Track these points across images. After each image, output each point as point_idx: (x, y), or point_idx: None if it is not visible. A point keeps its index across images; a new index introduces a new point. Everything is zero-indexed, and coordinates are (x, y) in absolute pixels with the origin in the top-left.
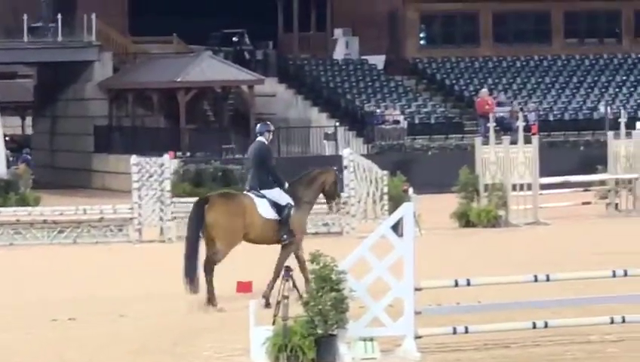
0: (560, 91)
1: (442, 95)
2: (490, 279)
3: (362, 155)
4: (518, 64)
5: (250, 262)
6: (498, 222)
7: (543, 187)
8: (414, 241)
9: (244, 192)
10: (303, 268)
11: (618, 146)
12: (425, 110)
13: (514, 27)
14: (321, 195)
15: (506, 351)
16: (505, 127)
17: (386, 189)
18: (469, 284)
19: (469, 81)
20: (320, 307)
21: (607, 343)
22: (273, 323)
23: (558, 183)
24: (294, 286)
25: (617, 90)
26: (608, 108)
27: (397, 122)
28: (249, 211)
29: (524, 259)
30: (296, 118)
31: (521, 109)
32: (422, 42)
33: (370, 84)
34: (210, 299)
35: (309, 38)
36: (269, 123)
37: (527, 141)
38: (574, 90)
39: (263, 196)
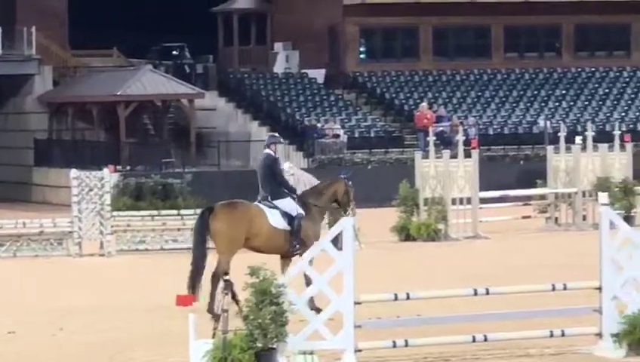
0: (500, 105)
1: (382, 109)
2: (429, 293)
3: (302, 169)
4: (458, 78)
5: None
6: (438, 236)
7: (483, 201)
8: (354, 255)
9: (255, 203)
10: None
11: (558, 160)
12: (365, 124)
13: (454, 41)
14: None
15: None
16: (445, 141)
17: None
18: (408, 298)
19: (409, 94)
20: (260, 320)
21: (546, 357)
22: (213, 336)
23: (497, 197)
24: (234, 299)
25: (557, 104)
26: (548, 122)
27: (337, 136)
28: (256, 220)
29: (463, 273)
30: (236, 131)
31: (461, 123)
32: (362, 56)
33: (310, 97)
34: (210, 310)
35: (249, 52)
36: (277, 135)
37: (467, 155)
38: (514, 105)
39: (275, 206)
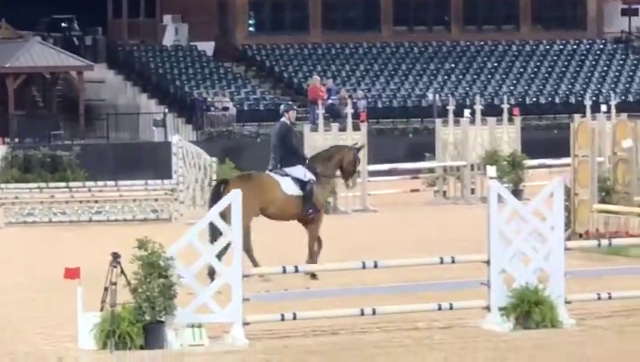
0: (389, 78)
1: (271, 82)
2: (319, 266)
3: (191, 142)
4: (347, 51)
5: None
6: (327, 209)
7: (372, 174)
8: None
9: (266, 172)
10: (318, 246)
11: (446, 134)
12: (254, 97)
13: (343, 14)
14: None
15: (334, 337)
16: (333, 114)
17: (214, 176)
18: (297, 271)
19: (298, 67)
20: (148, 293)
21: (434, 330)
22: (101, 309)
23: (386, 170)
24: (122, 272)
25: (446, 77)
26: (437, 95)
27: (226, 109)
28: (269, 189)
29: (352, 246)
30: (125, 104)
31: (350, 96)
32: (251, 29)
33: (199, 70)
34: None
35: (138, 25)
36: (291, 103)
37: (356, 128)
38: (403, 78)
39: (286, 174)
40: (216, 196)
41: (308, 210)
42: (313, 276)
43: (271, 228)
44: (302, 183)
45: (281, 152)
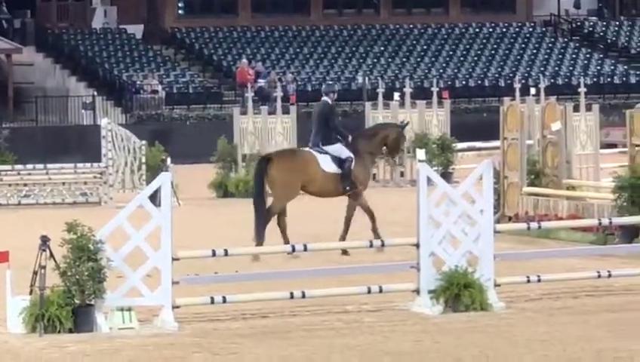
0: (318, 62)
1: (200, 65)
2: (247, 249)
3: (120, 125)
4: (277, 34)
5: None
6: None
7: None
8: (172, 211)
9: (307, 149)
10: (370, 217)
11: (376, 117)
12: (183, 80)
13: None
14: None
15: (263, 320)
16: (263, 97)
17: (144, 159)
18: (226, 254)
19: (227, 50)
20: (77, 277)
21: (364, 313)
22: (30, 293)
23: None
24: (52, 256)
25: (375, 60)
26: (366, 78)
27: (155, 92)
28: (310, 166)
29: None
30: (54, 87)
31: (280, 79)
32: (180, 12)
33: (128, 53)
34: (257, 236)
35: (67, 7)
36: (331, 83)
37: (286, 111)
38: (332, 61)
39: (326, 152)
40: (260, 172)
41: (346, 188)
42: (344, 252)
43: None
44: (340, 161)
45: (322, 131)
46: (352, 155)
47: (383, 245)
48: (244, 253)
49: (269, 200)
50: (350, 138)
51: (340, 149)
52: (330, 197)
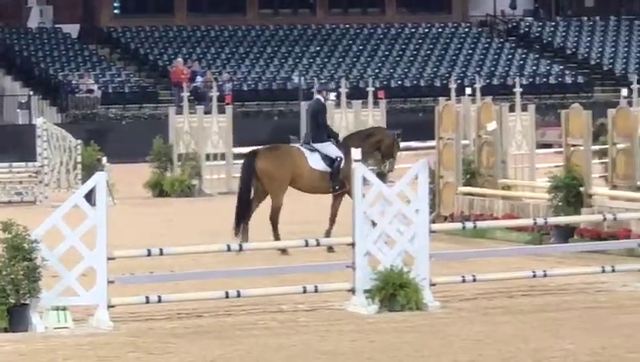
0: (254, 61)
1: (136, 64)
2: (183, 248)
3: (56, 124)
4: (213, 34)
5: None
6: (192, 192)
7: (237, 157)
8: (107, 210)
9: (297, 145)
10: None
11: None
12: (119, 79)
13: None
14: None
15: (198, 320)
16: (199, 97)
17: (79, 158)
18: (162, 254)
19: (163, 50)
20: (12, 276)
21: (299, 312)
22: None
23: None
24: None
25: (311, 60)
26: (302, 78)
27: (91, 91)
28: (297, 162)
29: (217, 229)
30: None
31: (215, 79)
32: (116, 11)
33: (64, 52)
34: (239, 232)
35: (2, 6)
36: (325, 81)
37: (221, 111)
38: (268, 61)
39: (315, 149)
40: (247, 168)
41: (334, 187)
42: (284, 251)
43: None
44: (330, 160)
45: (313, 129)
46: (341, 155)
47: (318, 244)
48: (179, 253)
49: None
50: (343, 137)
51: (330, 148)
52: (318, 194)
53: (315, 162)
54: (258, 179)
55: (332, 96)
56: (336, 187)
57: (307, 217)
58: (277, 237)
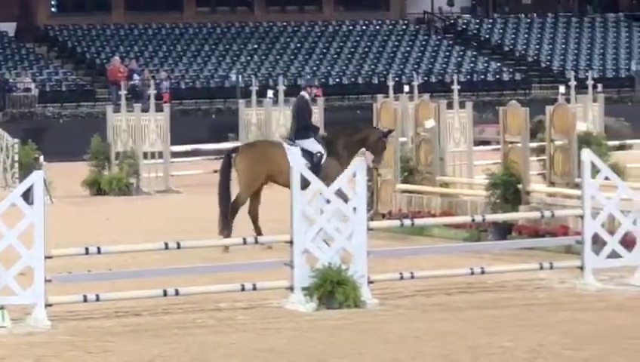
0: (192, 59)
1: (74, 62)
2: (121, 247)
3: None
4: (150, 32)
5: None
6: (129, 190)
7: (175, 155)
8: (45, 209)
9: (280, 141)
10: None
11: (249, 114)
12: (56, 78)
13: None
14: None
15: (136, 318)
16: (137, 95)
17: (16, 157)
18: (99, 252)
19: (100, 48)
20: None
21: (237, 310)
22: None
23: (189, 151)
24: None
25: (249, 58)
26: (240, 76)
27: (28, 90)
28: (276, 157)
29: (155, 227)
30: None
31: (153, 77)
32: (53, 9)
33: (0, 51)
34: (223, 231)
35: None
36: (310, 78)
37: (159, 109)
38: (206, 59)
39: (297, 145)
40: (225, 164)
41: None
42: (226, 249)
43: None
44: (311, 156)
45: (296, 125)
46: (322, 151)
47: (256, 242)
48: (117, 251)
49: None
50: (328, 132)
51: (312, 144)
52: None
53: (294, 158)
54: (239, 175)
55: (315, 91)
56: None
57: (268, 215)
58: (258, 233)
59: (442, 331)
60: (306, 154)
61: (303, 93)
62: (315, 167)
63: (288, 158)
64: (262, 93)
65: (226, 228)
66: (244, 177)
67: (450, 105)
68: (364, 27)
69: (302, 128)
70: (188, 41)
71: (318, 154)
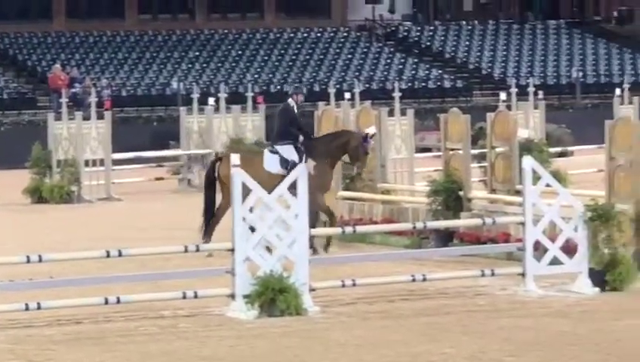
0: (133, 67)
1: (15, 70)
2: (62, 255)
3: None
4: (92, 40)
5: None
6: (71, 198)
7: (116, 163)
8: None
9: (266, 149)
10: (331, 221)
11: (190, 122)
12: None
13: (87, 2)
14: None
15: (78, 326)
16: (78, 103)
17: None
18: (41, 260)
19: (42, 56)
20: None
21: (179, 318)
22: None
23: (131, 159)
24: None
25: (190, 66)
26: (181, 84)
27: None
28: (254, 166)
29: (96, 235)
30: None
31: (94, 85)
32: None
33: None
34: (204, 237)
35: None
36: (298, 85)
37: (100, 117)
38: (147, 66)
39: (276, 152)
40: (209, 171)
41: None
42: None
43: None
44: (287, 163)
45: (277, 131)
46: (296, 159)
47: (197, 250)
48: (58, 259)
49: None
50: (310, 140)
51: (288, 151)
52: None
53: (271, 165)
54: (223, 184)
55: (302, 98)
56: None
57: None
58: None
59: (384, 338)
60: (283, 161)
61: (289, 100)
62: (289, 173)
63: (264, 166)
64: (203, 101)
65: (207, 235)
66: (226, 184)
67: (391, 113)
68: (305, 34)
69: (282, 134)
70: (129, 49)
71: (293, 163)
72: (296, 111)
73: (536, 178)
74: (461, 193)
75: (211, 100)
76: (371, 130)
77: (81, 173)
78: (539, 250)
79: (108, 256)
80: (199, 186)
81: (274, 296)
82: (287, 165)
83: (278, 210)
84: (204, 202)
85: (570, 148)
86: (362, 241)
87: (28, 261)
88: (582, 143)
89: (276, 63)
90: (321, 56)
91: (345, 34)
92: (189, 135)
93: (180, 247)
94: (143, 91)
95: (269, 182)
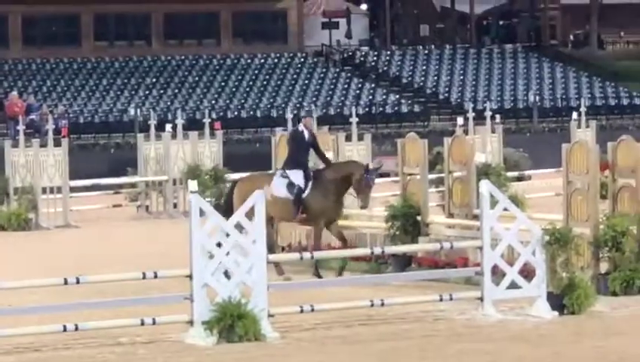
0: (90, 94)
1: None
2: (20, 283)
3: None
4: (48, 66)
5: None
6: (28, 226)
7: (74, 190)
8: None
9: (275, 173)
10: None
11: (148, 148)
12: None
13: (43, 29)
14: None
15: (37, 354)
16: (35, 130)
17: None
18: None
19: None
20: None
21: (137, 344)
22: None
23: (88, 186)
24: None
25: (147, 92)
26: (138, 110)
27: None
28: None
29: (54, 263)
30: None
31: (51, 112)
32: None
33: None
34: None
35: None
36: (309, 110)
37: (58, 144)
38: (104, 93)
39: (287, 176)
40: (228, 196)
41: (295, 215)
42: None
43: None
44: (294, 187)
45: (288, 157)
46: (302, 184)
47: (155, 276)
48: (16, 287)
49: None
50: (322, 168)
51: (297, 176)
52: (285, 221)
53: (279, 189)
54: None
55: (311, 121)
56: (297, 214)
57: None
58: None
59: None
60: (291, 186)
61: (299, 125)
62: (295, 199)
63: (272, 190)
64: (160, 127)
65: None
66: (237, 207)
67: (348, 138)
68: (262, 60)
69: (290, 160)
70: (86, 76)
71: (299, 188)
72: (306, 135)
73: (494, 202)
74: (419, 218)
75: (168, 127)
76: (376, 162)
77: (38, 200)
78: (497, 274)
79: (66, 283)
80: (156, 213)
81: (232, 322)
82: (294, 189)
83: (236, 236)
84: None
85: (527, 172)
86: (321, 267)
87: None
88: (539, 167)
89: (233, 89)
90: (279, 82)
91: (302, 59)
92: (147, 161)
93: (138, 274)
94: (100, 118)
95: (276, 206)
